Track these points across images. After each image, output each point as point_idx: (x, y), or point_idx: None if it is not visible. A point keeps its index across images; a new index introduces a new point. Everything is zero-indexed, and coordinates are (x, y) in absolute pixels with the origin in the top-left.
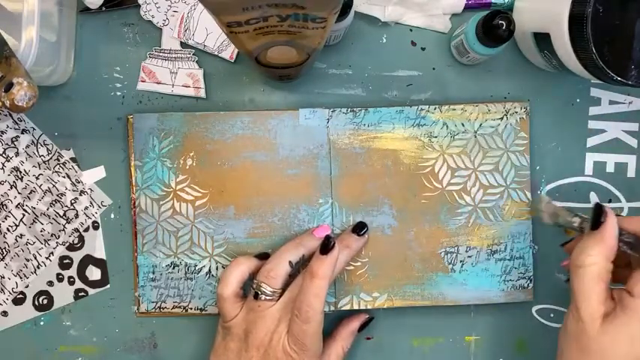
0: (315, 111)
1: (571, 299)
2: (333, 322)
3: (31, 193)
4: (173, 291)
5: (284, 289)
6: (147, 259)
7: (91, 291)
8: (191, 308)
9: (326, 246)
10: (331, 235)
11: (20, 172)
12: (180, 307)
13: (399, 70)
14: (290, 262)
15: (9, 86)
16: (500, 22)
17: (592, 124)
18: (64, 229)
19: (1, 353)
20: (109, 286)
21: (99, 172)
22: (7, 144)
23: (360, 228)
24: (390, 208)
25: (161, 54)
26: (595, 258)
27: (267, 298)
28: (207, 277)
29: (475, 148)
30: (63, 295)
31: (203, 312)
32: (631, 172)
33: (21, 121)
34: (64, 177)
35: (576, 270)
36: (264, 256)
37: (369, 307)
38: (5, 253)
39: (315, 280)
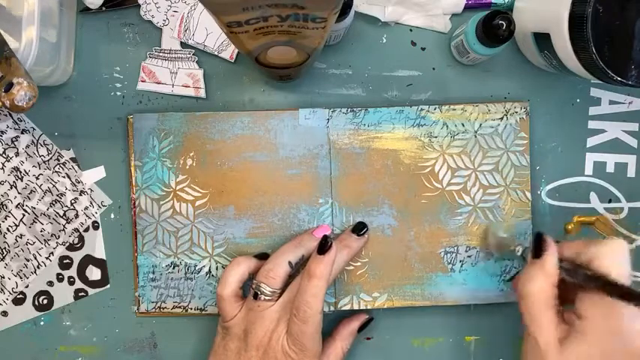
0: (315, 111)
1: (525, 326)
2: (333, 322)
3: (31, 193)
4: (173, 291)
5: (284, 289)
6: (147, 259)
7: (91, 291)
8: (191, 308)
9: (323, 246)
10: (329, 235)
11: (20, 172)
12: (180, 307)
13: (399, 70)
14: (289, 262)
15: (9, 86)
16: (500, 22)
17: (592, 124)
18: (64, 229)
19: (1, 353)
20: (109, 286)
21: (99, 172)
22: (7, 144)
23: (359, 228)
24: (390, 208)
25: (161, 54)
26: (539, 285)
27: (267, 298)
28: (207, 277)
29: (475, 148)
30: (63, 295)
31: (203, 312)
32: (631, 172)
33: (21, 121)
34: (64, 177)
35: (524, 298)
36: (263, 256)
37: (369, 307)
38: (5, 253)
39: (313, 280)
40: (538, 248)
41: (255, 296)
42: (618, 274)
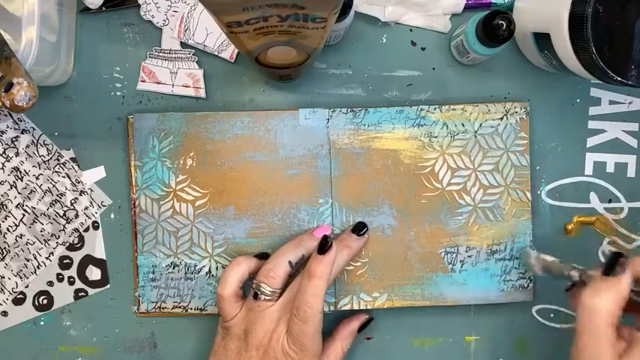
0: (315, 111)
1: (578, 336)
2: (333, 322)
3: (31, 193)
4: (173, 291)
5: (284, 289)
6: (147, 259)
7: (91, 291)
8: (191, 308)
9: (323, 246)
10: (329, 235)
11: (20, 172)
12: (180, 307)
13: (399, 70)
14: (290, 262)
15: (9, 86)
16: (500, 22)
17: (592, 124)
18: (64, 229)
19: (1, 353)
20: (109, 286)
21: (99, 172)
22: (7, 144)
23: (359, 228)
24: (390, 208)
25: (161, 54)
26: (607, 303)
27: (267, 298)
28: (207, 277)
29: (475, 148)
30: (63, 295)
31: (203, 312)
32: (631, 172)
33: (21, 121)
34: (64, 177)
35: (587, 312)
36: (263, 256)
37: (369, 307)
38: (5, 253)
39: (314, 280)
40: (612, 266)
41: (256, 296)
42: None
